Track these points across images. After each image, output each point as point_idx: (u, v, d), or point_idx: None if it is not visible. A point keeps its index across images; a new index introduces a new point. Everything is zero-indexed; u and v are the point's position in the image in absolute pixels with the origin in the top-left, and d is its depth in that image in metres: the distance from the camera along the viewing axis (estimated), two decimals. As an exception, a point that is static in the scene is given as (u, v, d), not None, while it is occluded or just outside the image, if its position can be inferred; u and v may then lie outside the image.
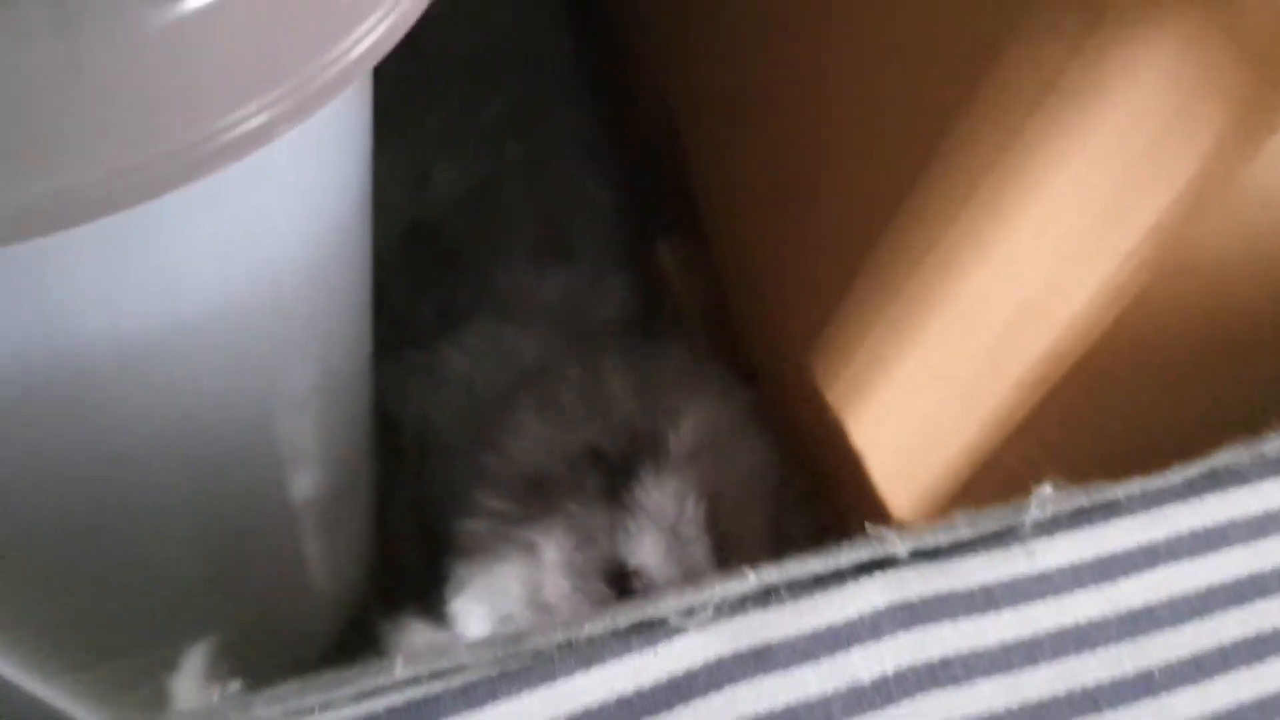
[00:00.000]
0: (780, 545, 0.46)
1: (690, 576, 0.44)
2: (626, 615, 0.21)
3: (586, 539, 0.44)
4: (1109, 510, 0.25)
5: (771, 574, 0.22)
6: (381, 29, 0.22)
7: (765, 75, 0.49)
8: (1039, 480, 0.45)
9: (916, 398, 0.43)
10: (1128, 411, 0.43)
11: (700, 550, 0.44)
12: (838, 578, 0.22)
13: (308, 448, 0.37)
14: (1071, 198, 0.35)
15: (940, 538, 0.24)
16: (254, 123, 0.21)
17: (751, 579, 0.22)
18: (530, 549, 0.42)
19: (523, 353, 0.49)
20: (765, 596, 0.22)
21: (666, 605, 0.22)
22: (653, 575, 0.44)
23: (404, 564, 0.47)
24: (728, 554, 0.45)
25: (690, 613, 0.22)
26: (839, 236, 0.45)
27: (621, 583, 0.44)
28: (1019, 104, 0.36)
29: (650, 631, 0.21)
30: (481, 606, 0.42)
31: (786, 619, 0.22)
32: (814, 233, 0.46)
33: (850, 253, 0.44)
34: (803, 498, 0.48)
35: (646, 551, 0.43)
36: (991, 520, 0.25)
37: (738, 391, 0.49)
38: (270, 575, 0.42)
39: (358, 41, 0.22)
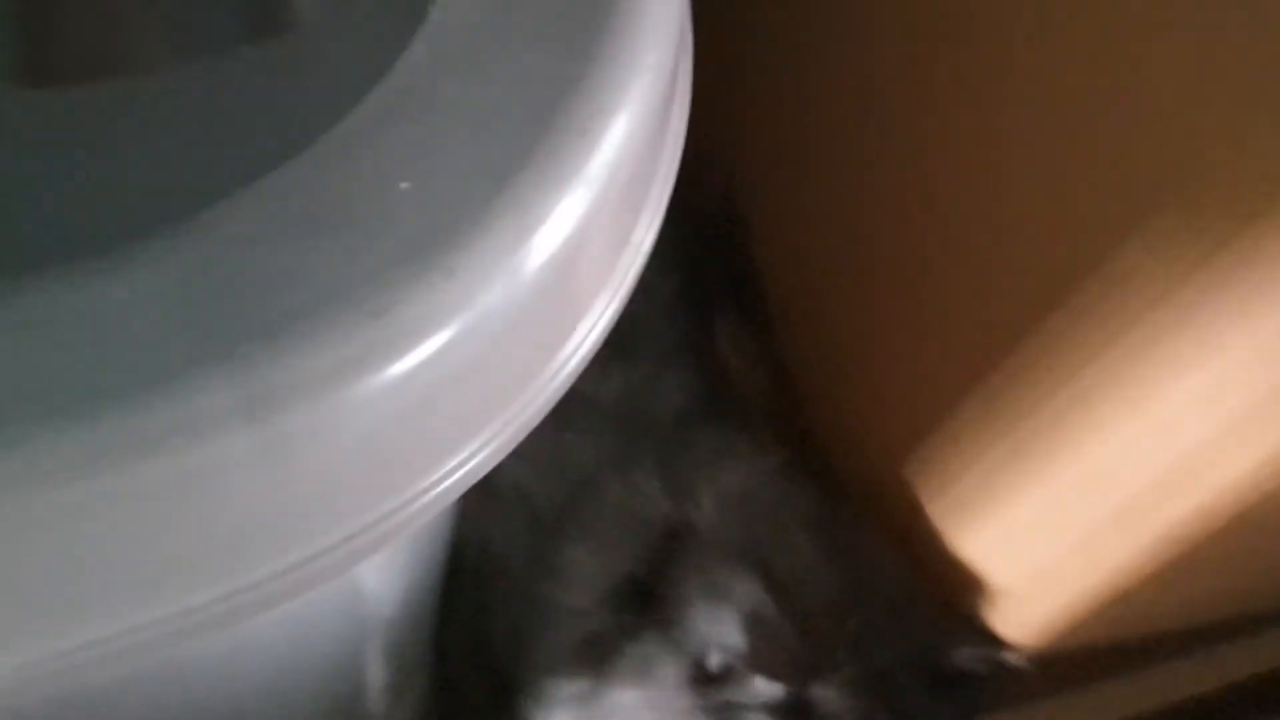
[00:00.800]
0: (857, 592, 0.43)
1: (774, 641, 0.41)
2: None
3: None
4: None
5: None
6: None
7: (861, 160, 0.45)
8: (1156, 611, 0.43)
9: (1031, 536, 0.40)
10: (1249, 560, 0.41)
11: (768, 609, 0.42)
12: None
13: (382, 610, 0.34)
14: (1251, 359, 0.32)
15: None
16: (430, 495, 0.18)
17: None
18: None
19: (582, 460, 0.45)
20: None
21: None
22: (735, 654, 0.41)
23: (466, 694, 0.44)
24: (796, 604, 0.43)
25: None
26: (953, 342, 0.41)
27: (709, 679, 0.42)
28: (1200, 238, 0.32)
29: None
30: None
31: None
32: (922, 333, 0.43)
33: (964, 365, 0.40)
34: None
35: (720, 634, 0.41)
36: None
37: (771, 454, 0.46)
38: (328, 704, 0.39)
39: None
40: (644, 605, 0.43)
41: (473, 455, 0.20)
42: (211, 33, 0.19)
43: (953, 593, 0.43)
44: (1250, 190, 0.30)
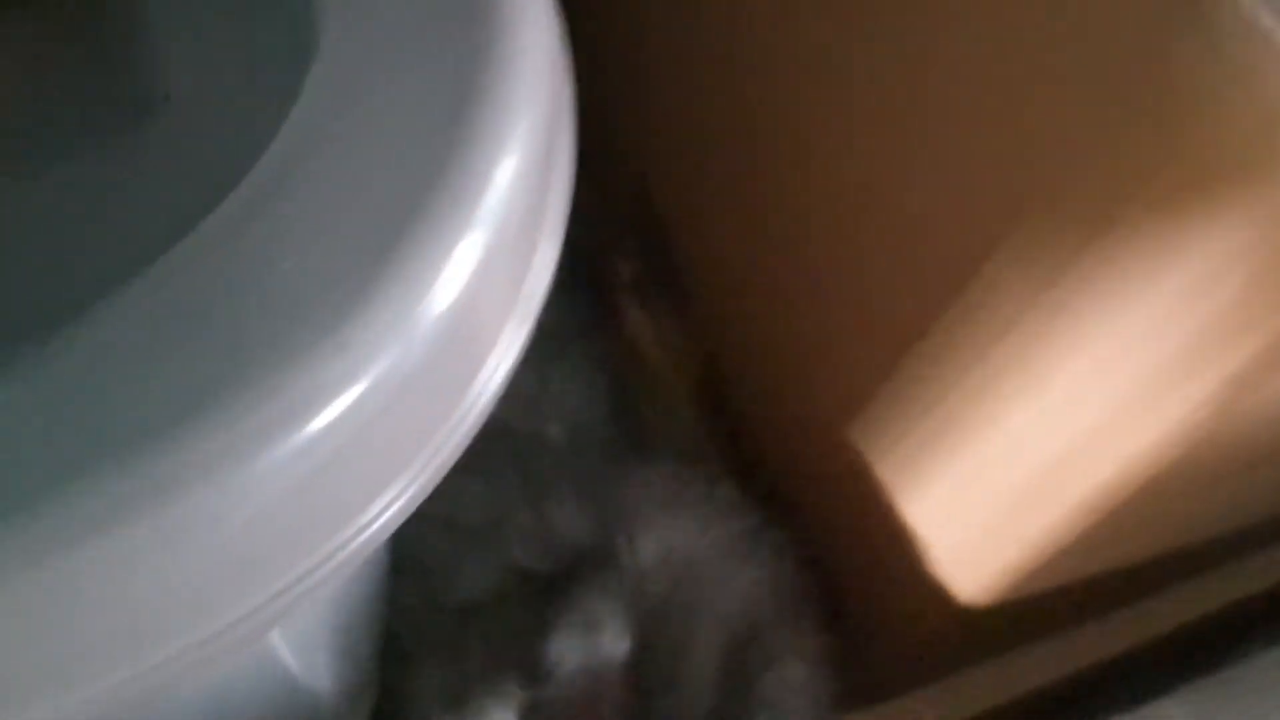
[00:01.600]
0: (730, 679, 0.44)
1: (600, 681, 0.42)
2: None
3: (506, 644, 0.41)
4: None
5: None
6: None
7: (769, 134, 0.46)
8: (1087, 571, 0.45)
9: (969, 497, 0.41)
10: (1172, 518, 0.42)
11: (618, 654, 0.42)
12: None
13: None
14: (1144, 339, 0.34)
15: None
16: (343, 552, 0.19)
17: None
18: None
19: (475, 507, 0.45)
20: None
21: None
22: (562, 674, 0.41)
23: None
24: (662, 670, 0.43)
25: None
26: (873, 328, 0.42)
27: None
28: (1080, 223, 0.33)
29: None
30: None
31: None
32: (842, 321, 0.43)
33: (891, 340, 0.42)
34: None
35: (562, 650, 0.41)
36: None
37: (726, 516, 0.46)
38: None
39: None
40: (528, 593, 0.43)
41: (385, 508, 0.20)
42: (85, 123, 0.19)
43: (899, 557, 0.44)
44: (1108, 195, 0.31)
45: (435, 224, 0.19)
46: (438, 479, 0.21)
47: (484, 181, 0.19)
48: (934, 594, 0.44)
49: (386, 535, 0.21)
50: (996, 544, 0.41)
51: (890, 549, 0.45)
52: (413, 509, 0.21)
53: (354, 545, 0.20)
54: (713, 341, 0.51)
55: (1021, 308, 0.36)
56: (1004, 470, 0.39)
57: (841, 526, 0.49)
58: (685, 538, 0.46)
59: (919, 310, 0.40)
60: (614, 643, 0.42)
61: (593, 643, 0.42)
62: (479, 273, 0.20)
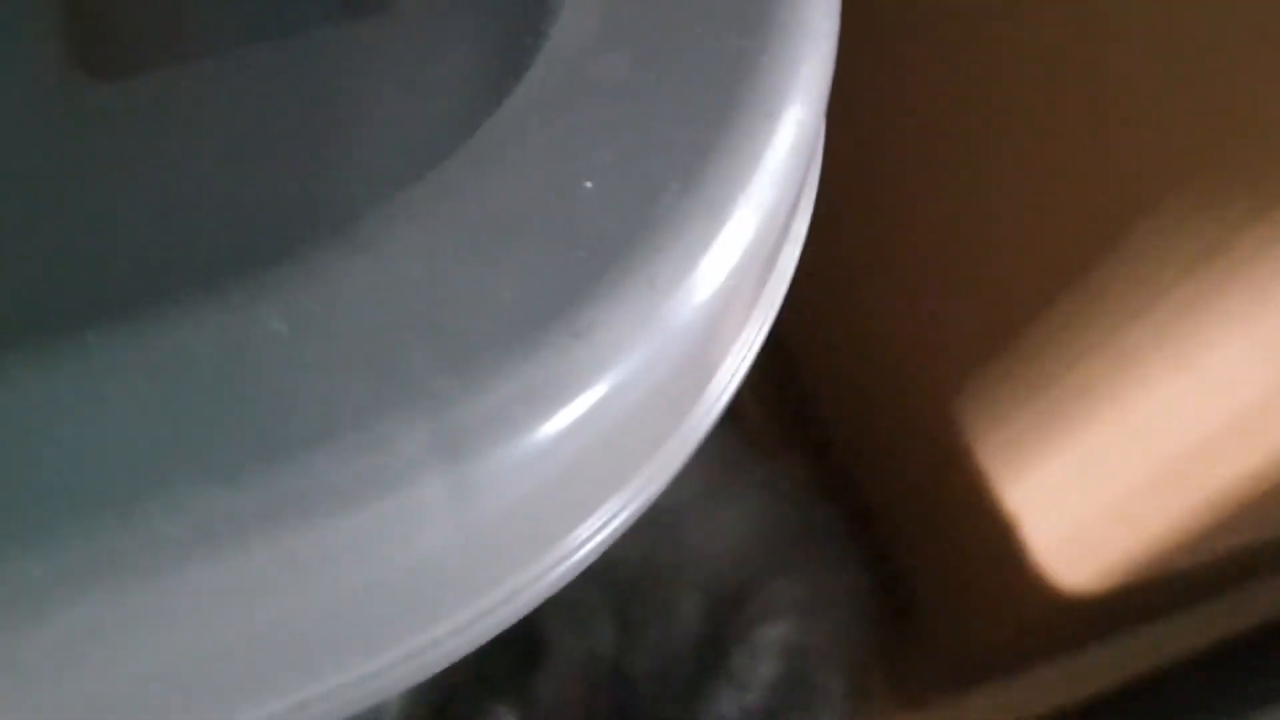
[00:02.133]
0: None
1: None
2: None
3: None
4: None
5: None
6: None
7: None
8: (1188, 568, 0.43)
9: (1066, 497, 0.39)
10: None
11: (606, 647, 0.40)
12: None
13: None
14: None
15: None
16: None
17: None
18: None
19: None
20: None
21: None
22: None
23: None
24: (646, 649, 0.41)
25: None
26: (991, 297, 0.40)
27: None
28: (1253, 191, 0.31)
29: None
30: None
31: None
32: (956, 288, 0.41)
33: (1002, 320, 0.39)
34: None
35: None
36: None
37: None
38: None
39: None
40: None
41: (613, 517, 0.17)
42: (288, 13, 0.16)
43: (986, 551, 0.42)
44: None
45: (739, 152, 0.16)
46: (659, 492, 0.18)
47: (784, 112, 0.16)
48: (1022, 586, 0.42)
49: (600, 552, 0.17)
50: (1112, 532, 0.39)
51: (974, 538, 0.43)
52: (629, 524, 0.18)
53: (574, 560, 0.17)
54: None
55: (1175, 279, 0.33)
56: (1134, 454, 0.37)
57: (916, 516, 0.47)
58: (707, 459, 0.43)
59: (1043, 281, 0.37)
60: (602, 634, 0.40)
61: (584, 638, 0.39)
62: (768, 220, 0.17)
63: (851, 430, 0.47)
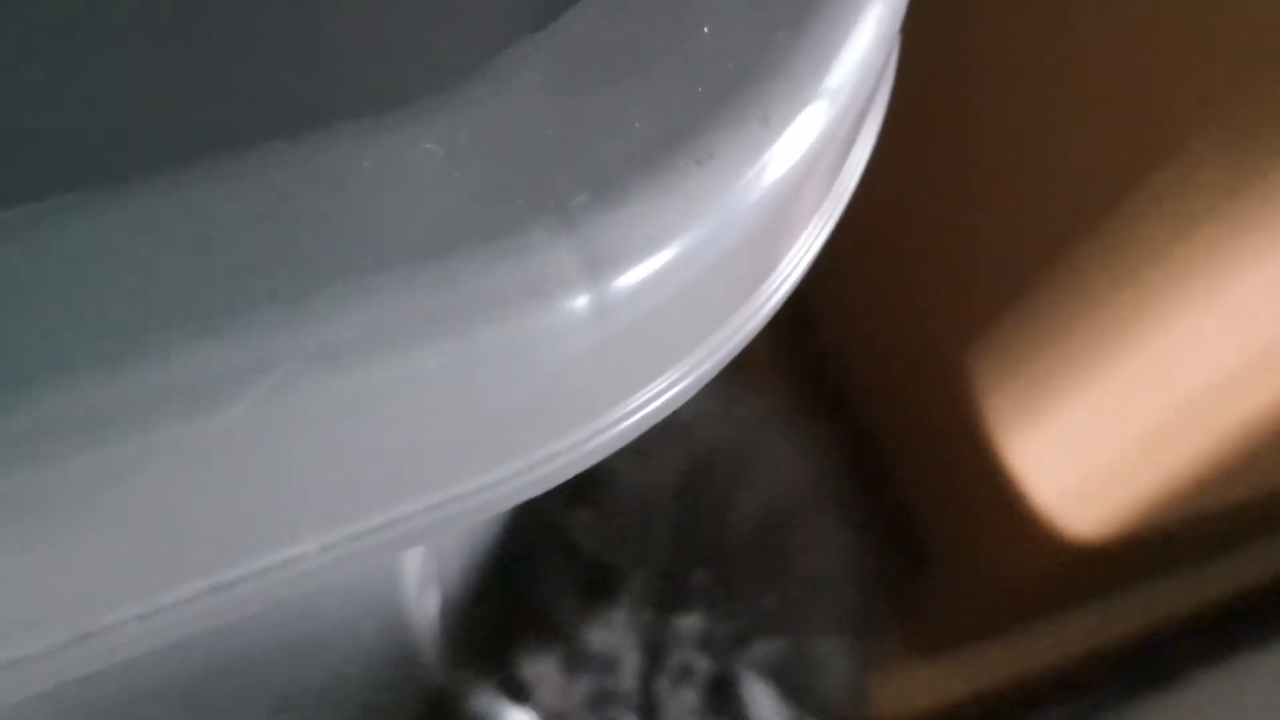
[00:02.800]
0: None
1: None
2: None
3: None
4: None
5: None
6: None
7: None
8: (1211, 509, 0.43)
9: (1102, 425, 0.40)
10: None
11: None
12: None
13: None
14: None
15: None
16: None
17: None
18: None
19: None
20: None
21: None
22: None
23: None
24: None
25: None
26: (1010, 240, 0.41)
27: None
28: (1276, 130, 0.32)
29: None
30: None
31: None
32: (977, 231, 0.42)
33: (1020, 263, 0.40)
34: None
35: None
36: None
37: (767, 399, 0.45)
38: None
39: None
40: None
41: (668, 388, 0.18)
42: None
43: (1000, 500, 0.43)
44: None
45: (823, 39, 0.17)
46: (714, 374, 0.19)
47: (853, 26, 0.17)
48: (1035, 535, 0.43)
49: (656, 420, 0.18)
50: (1128, 476, 0.40)
51: (987, 488, 0.44)
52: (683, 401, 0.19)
53: (627, 423, 0.17)
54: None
55: (1199, 216, 0.34)
56: (1152, 396, 0.38)
57: (930, 466, 0.48)
58: (732, 408, 0.44)
59: (1061, 227, 0.38)
60: (665, 468, 0.41)
61: (643, 465, 0.40)
62: (862, 75, 0.18)
63: (867, 384, 0.48)
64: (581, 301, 0.14)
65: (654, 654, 0.38)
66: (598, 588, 0.39)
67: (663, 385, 0.17)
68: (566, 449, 0.16)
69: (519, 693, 0.40)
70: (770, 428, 0.45)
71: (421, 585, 0.30)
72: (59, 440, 0.12)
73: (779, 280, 0.19)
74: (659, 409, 0.17)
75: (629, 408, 0.16)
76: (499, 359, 0.14)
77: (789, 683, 0.36)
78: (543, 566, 0.40)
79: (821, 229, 0.20)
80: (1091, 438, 0.40)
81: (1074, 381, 0.39)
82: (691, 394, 0.18)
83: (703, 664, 0.37)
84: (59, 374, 0.12)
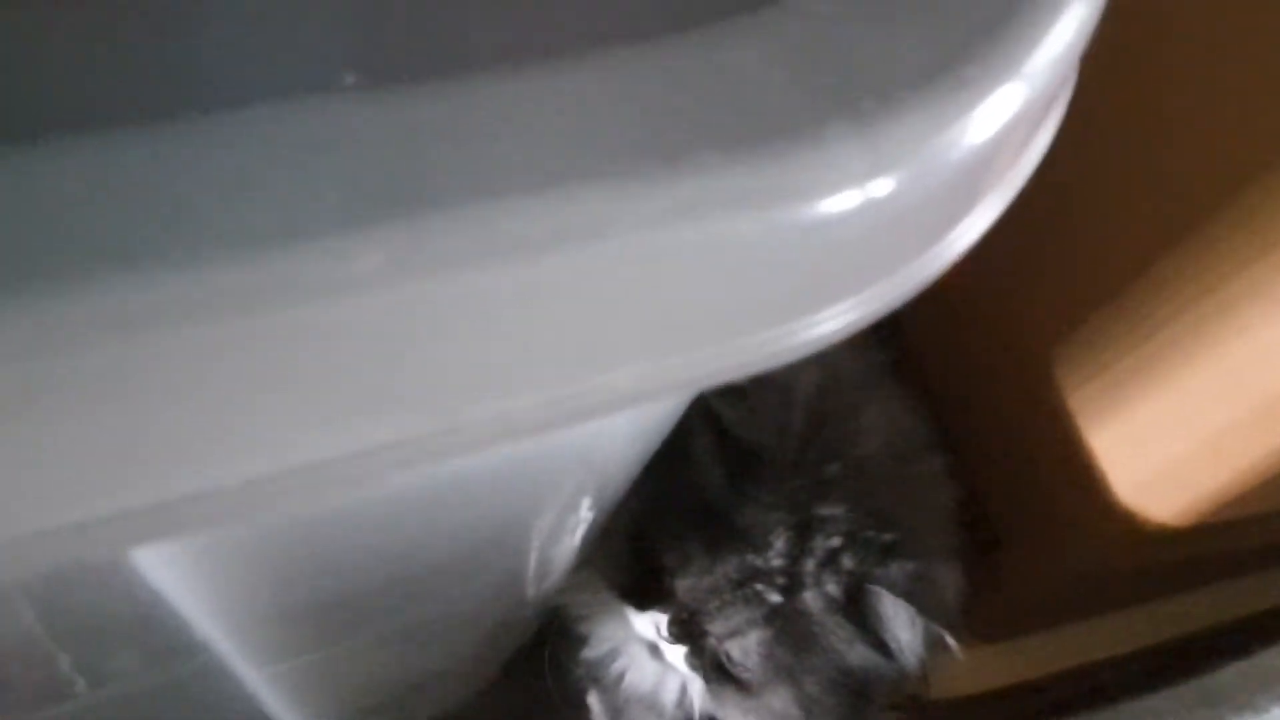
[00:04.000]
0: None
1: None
2: None
3: None
4: None
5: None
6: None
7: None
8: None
9: (1172, 427, 0.42)
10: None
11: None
12: None
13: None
14: None
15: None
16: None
17: None
18: None
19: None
20: None
21: None
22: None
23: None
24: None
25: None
26: (1103, 250, 0.43)
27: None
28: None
29: None
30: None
31: None
32: (1072, 242, 0.44)
33: (1113, 267, 0.43)
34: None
35: None
36: None
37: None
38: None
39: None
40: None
41: (835, 317, 0.20)
42: None
43: (1075, 490, 0.45)
44: None
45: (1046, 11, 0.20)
46: (877, 316, 0.22)
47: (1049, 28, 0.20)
48: (1108, 525, 0.45)
49: (811, 351, 0.21)
50: (1202, 470, 0.42)
51: (1066, 476, 0.46)
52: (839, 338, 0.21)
53: (793, 343, 0.20)
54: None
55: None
56: (1229, 396, 0.40)
57: (1008, 457, 0.50)
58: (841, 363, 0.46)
59: (1149, 240, 0.41)
60: (801, 382, 0.42)
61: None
62: (1019, 115, 0.20)
63: (949, 379, 0.51)
64: (862, 184, 0.17)
65: (803, 535, 0.40)
66: (747, 468, 0.41)
67: (877, 292, 0.20)
68: (803, 327, 0.19)
69: (653, 589, 0.42)
70: (877, 383, 0.48)
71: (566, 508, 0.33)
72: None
73: (965, 230, 0.22)
74: (866, 316, 0.20)
75: (856, 301, 0.19)
76: (787, 232, 0.17)
77: (916, 602, 0.38)
78: (697, 445, 0.42)
79: (1001, 200, 0.23)
80: (1169, 434, 0.43)
81: (1156, 380, 0.42)
82: (878, 317, 0.21)
83: (847, 560, 0.40)
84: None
